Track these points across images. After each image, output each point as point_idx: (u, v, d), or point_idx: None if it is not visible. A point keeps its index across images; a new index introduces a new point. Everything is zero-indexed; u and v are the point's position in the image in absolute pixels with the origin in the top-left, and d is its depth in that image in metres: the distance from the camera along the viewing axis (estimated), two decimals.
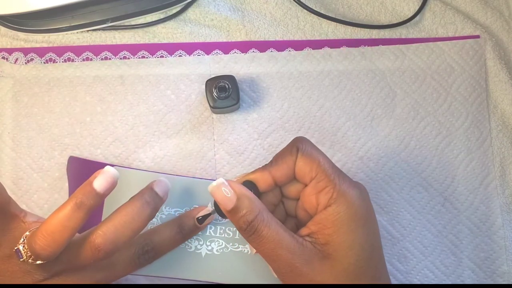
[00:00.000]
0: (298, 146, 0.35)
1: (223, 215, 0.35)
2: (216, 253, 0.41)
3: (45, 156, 0.44)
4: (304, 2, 0.48)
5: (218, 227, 0.42)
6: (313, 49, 0.48)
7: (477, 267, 0.45)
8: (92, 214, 0.33)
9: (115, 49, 0.47)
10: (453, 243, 0.46)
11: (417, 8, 0.50)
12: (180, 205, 0.42)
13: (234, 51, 0.48)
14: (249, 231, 0.33)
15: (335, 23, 0.49)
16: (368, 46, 0.49)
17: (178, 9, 0.48)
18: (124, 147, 0.45)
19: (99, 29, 0.47)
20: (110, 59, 0.47)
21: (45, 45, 0.47)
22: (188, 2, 0.48)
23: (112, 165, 0.43)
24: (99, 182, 0.32)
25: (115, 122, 0.45)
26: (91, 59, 0.47)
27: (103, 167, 0.43)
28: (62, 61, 0.47)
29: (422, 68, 0.48)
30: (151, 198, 0.35)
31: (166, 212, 0.42)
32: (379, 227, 0.35)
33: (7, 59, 0.46)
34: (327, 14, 0.49)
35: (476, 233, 0.46)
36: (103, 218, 0.41)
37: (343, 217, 0.32)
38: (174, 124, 0.46)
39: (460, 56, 0.49)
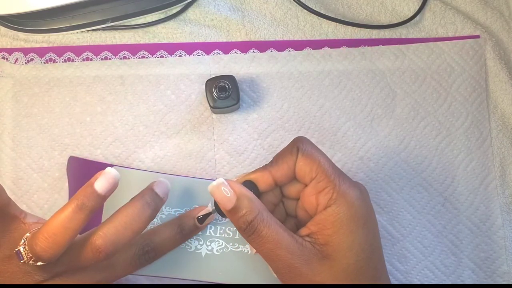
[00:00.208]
0: (298, 146, 0.34)
1: (223, 215, 0.35)
2: (216, 253, 0.41)
3: (45, 156, 0.44)
4: (304, 2, 0.48)
5: (218, 227, 0.42)
6: (313, 49, 0.48)
7: (477, 267, 0.45)
8: (91, 217, 0.33)
9: (115, 49, 0.47)
10: (453, 243, 0.46)
11: (417, 8, 0.50)
12: (180, 205, 0.42)
13: (234, 51, 0.48)
14: (248, 231, 0.33)
15: (335, 23, 0.49)
16: (368, 46, 0.49)
17: (178, 9, 0.48)
18: (124, 147, 0.45)
19: (99, 29, 0.47)
20: (110, 59, 0.47)
21: (45, 45, 0.47)
22: (188, 2, 0.48)
23: (112, 165, 0.43)
24: (100, 183, 0.32)
25: (115, 122, 0.45)
26: (91, 59, 0.47)
27: (103, 167, 0.43)
28: (62, 61, 0.47)
29: (422, 68, 0.48)
30: (152, 199, 0.35)
31: (166, 212, 0.42)
32: (379, 227, 0.35)
33: (7, 59, 0.46)
34: (327, 14, 0.49)
35: (476, 233, 0.46)
36: (103, 218, 0.41)
37: (342, 217, 0.32)
38: (174, 124, 0.46)
39: (460, 56, 0.49)
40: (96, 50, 0.47)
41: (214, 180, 0.43)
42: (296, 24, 0.49)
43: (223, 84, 0.43)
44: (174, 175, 0.44)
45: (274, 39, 0.48)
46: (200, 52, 0.47)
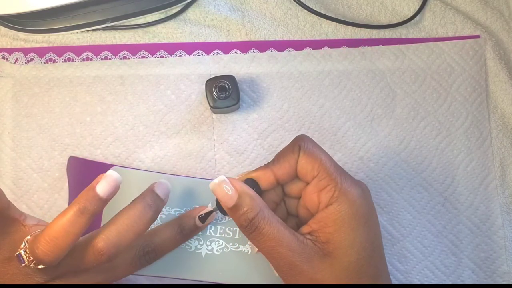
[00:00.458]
0: (300, 144, 0.35)
1: (225, 213, 0.35)
2: (216, 253, 0.41)
3: (45, 156, 0.44)
4: (304, 2, 0.48)
5: (218, 227, 0.42)
6: (313, 49, 0.48)
7: (477, 267, 0.45)
8: None
9: (115, 49, 0.47)
10: (453, 243, 0.46)
11: (417, 8, 0.50)
12: (180, 205, 0.42)
13: (234, 51, 0.48)
14: (250, 229, 0.33)
15: (335, 23, 0.49)
16: (368, 46, 0.49)
17: (178, 9, 0.48)
18: (124, 147, 0.45)
19: (99, 29, 0.47)
20: (110, 59, 0.47)
21: (45, 45, 0.47)
22: (188, 2, 0.48)
23: (112, 165, 0.43)
24: (102, 187, 0.32)
25: (115, 122, 0.45)
26: (91, 59, 0.47)
27: (103, 167, 0.43)
28: (62, 61, 0.47)
29: (422, 68, 0.48)
30: (153, 201, 0.35)
31: (166, 212, 0.42)
32: None
33: (7, 59, 0.46)
34: (327, 14, 0.49)
35: (476, 233, 0.46)
36: (103, 219, 0.41)
37: (344, 215, 0.32)
38: (174, 124, 0.46)
39: (460, 56, 0.49)
40: (96, 50, 0.47)
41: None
42: (296, 24, 0.49)
43: (223, 84, 0.43)
44: (174, 175, 0.44)
45: (274, 39, 0.48)
46: (200, 52, 0.47)
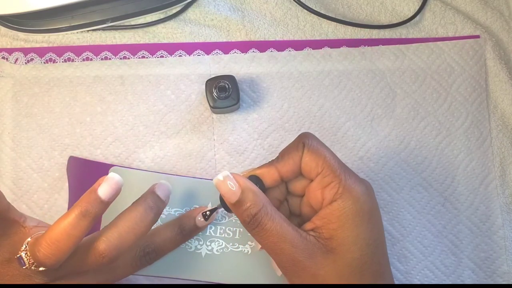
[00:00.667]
0: (304, 141, 0.35)
1: (229, 210, 0.35)
2: (216, 253, 0.41)
3: (45, 156, 0.44)
4: (304, 2, 0.48)
5: (218, 227, 0.42)
6: (313, 49, 0.48)
7: (477, 267, 0.45)
8: None
9: (115, 49, 0.47)
10: (453, 243, 0.46)
11: (417, 8, 0.50)
12: (180, 205, 0.42)
13: (234, 51, 0.48)
14: (252, 224, 0.33)
15: (335, 23, 0.49)
16: (368, 46, 0.49)
17: (178, 9, 0.48)
18: (124, 147, 0.45)
19: (99, 29, 0.47)
20: (110, 59, 0.47)
21: (45, 45, 0.47)
22: (188, 2, 0.48)
23: (112, 165, 0.43)
24: (104, 189, 0.32)
25: (115, 122, 0.45)
26: (91, 59, 0.47)
27: (103, 167, 0.43)
28: (62, 61, 0.47)
29: (422, 68, 0.48)
30: (154, 203, 0.35)
31: (166, 212, 0.42)
32: None
33: (7, 59, 0.46)
34: (327, 14, 0.49)
35: (476, 233, 0.46)
36: (102, 220, 0.41)
37: (348, 212, 0.32)
38: (174, 124, 0.46)
39: (460, 56, 0.49)
40: (96, 50, 0.47)
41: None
42: (296, 24, 0.49)
43: (223, 84, 0.43)
44: (174, 175, 0.44)
45: (274, 39, 0.48)
46: (200, 52, 0.47)
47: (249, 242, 0.42)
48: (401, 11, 0.50)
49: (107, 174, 0.42)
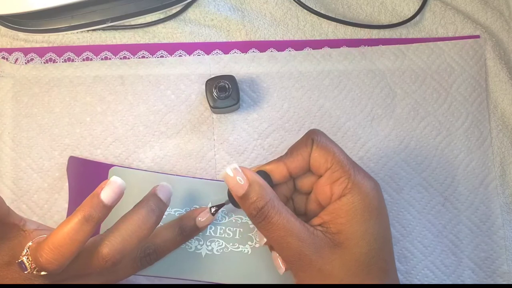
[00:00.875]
0: (313, 137, 0.35)
1: (236, 205, 0.35)
2: (216, 253, 0.41)
3: (45, 156, 0.44)
4: (304, 2, 0.48)
5: (218, 227, 0.42)
6: (313, 49, 0.48)
7: (477, 267, 0.45)
8: None
9: (115, 49, 0.47)
10: (453, 243, 0.46)
11: (417, 8, 0.50)
12: (180, 205, 0.42)
13: (234, 51, 0.48)
14: (259, 217, 0.33)
15: (335, 23, 0.49)
16: (368, 46, 0.49)
17: (178, 9, 0.48)
18: (124, 147, 0.45)
19: (99, 29, 0.47)
20: (110, 59, 0.47)
21: (45, 45, 0.47)
22: (188, 2, 0.48)
23: (112, 165, 0.43)
24: (106, 193, 0.32)
25: (115, 122, 0.45)
26: (91, 59, 0.47)
27: (103, 167, 0.43)
28: (62, 61, 0.47)
29: (422, 68, 0.48)
30: (156, 205, 0.35)
31: (166, 212, 0.42)
32: None
33: (7, 59, 0.46)
34: (327, 14, 0.49)
35: (476, 233, 0.46)
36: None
37: (357, 206, 0.32)
38: (174, 124, 0.46)
39: (460, 56, 0.49)
40: (96, 50, 0.47)
41: (214, 180, 0.44)
42: (296, 24, 0.49)
43: (223, 84, 0.43)
44: (174, 175, 0.44)
45: (274, 39, 0.48)
46: (200, 52, 0.47)
47: (249, 242, 0.42)
48: (401, 11, 0.50)
49: (107, 174, 0.42)
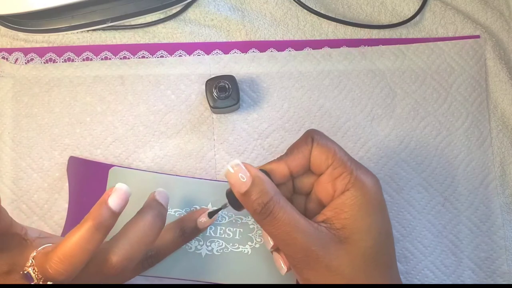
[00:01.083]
0: (313, 136, 0.35)
1: (236, 207, 0.35)
2: (216, 253, 0.41)
3: (45, 156, 0.44)
4: (304, 2, 0.48)
5: (218, 228, 0.42)
6: (313, 49, 0.48)
7: (477, 267, 0.45)
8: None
9: (115, 49, 0.47)
10: (453, 243, 0.46)
11: (417, 8, 0.50)
12: (180, 206, 0.42)
13: (234, 51, 0.48)
14: (264, 214, 0.32)
15: (335, 23, 0.49)
16: (368, 46, 0.49)
17: (178, 9, 0.48)
18: (124, 147, 0.45)
19: (99, 29, 0.47)
20: (110, 59, 0.47)
21: (45, 45, 0.47)
22: (188, 2, 0.48)
23: (112, 165, 0.43)
24: (114, 200, 0.31)
25: (115, 122, 0.45)
26: (91, 59, 0.47)
27: (103, 167, 0.43)
28: (62, 61, 0.47)
29: (422, 68, 0.48)
30: (159, 210, 0.35)
31: None
32: None
33: (7, 59, 0.46)
34: (327, 14, 0.49)
35: (476, 233, 0.46)
36: None
37: (360, 201, 0.32)
38: (174, 124, 0.46)
39: (460, 56, 0.49)
40: (96, 50, 0.47)
41: (214, 180, 0.44)
42: (296, 24, 0.49)
43: (223, 84, 0.43)
44: (174, 175, 0.44)
45: (274, 39, 0.48)
46: (200, 52, 0.47)
47: (249, 243, 0.42)
48: (401, 11, 0.50)
49: (107, 174, 0.42)
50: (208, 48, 0.48)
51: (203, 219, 0.40)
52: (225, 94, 0.43)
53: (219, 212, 0.39)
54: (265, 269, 0.41)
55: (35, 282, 0.30)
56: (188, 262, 0.41)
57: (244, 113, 0.46)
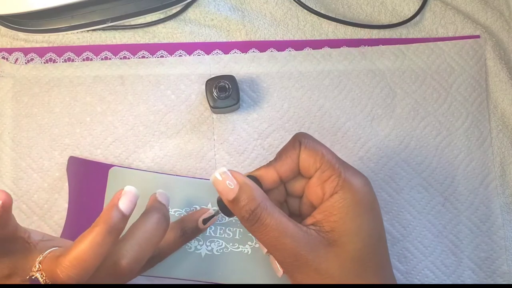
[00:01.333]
0: (300, 140, 0.35)
1: (227, 214, 0.35)
2: (216, 253, 0.41)
3: (45, 156, 0.44)
4: (304, 2, 0.48)
5: (218, 228, 0.42)
6: (313, 49, 0.48)
7: (477, 267, 0.45)
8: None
9: (115, 49, 0.47)
10: (453, 243, 0.46)
11: (417, 8, 0.50)
12: (180, 205, 0.42)
13: (234, 51, 0.48)
14: (252, 220, 0.32)
15: (335, 23, 0.49)
16: (368, 46, 0.49)
17: (178, 9, 0.48)
18: (124, 147, 0.45)
19: (99, 29, 0.47)
20: (110, 59, 0.47)
21: (45, 45, 0.47)
22: (188, 2, 0.48)
23: (112, 165, 0.43)
24: (125, 204, 0.31)
25: (115, 122, 0.45)
26: (91, 59, 0.47)
27: (103, 167, 0.43)
28: (62, 61, 0.47)
29: (422, 68, 0.48)
30: (163, 212, 0.35)
31: None
32: None
33: (7, 59, 0.46)
34: (327, 14, 0.49)
35: (476, 233, 0.46)
36: None
37: (349, 203, 0.32)
38: (174, 124, 0.46)
39: (460, 56, 0.49)
40: (96, 50, 0.47)
41: None
42: (296, 24, 0.49)
43: (223, 84, 0.43)
44: (174, 175, 0.44)
45: (274, 39, 0.48)
46: (200, 52, 0.47)
47: (249, 243, 0.42)
48: (401, 11, 0.50)
49: (107, 174, 0.43)
50: (208, 48, 0.48)
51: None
52: (225, 94, 0.43)
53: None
54: (265, 269, 0.41)
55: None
56: (188, 262, 0.41)
57: (244, 113, 0.46)
